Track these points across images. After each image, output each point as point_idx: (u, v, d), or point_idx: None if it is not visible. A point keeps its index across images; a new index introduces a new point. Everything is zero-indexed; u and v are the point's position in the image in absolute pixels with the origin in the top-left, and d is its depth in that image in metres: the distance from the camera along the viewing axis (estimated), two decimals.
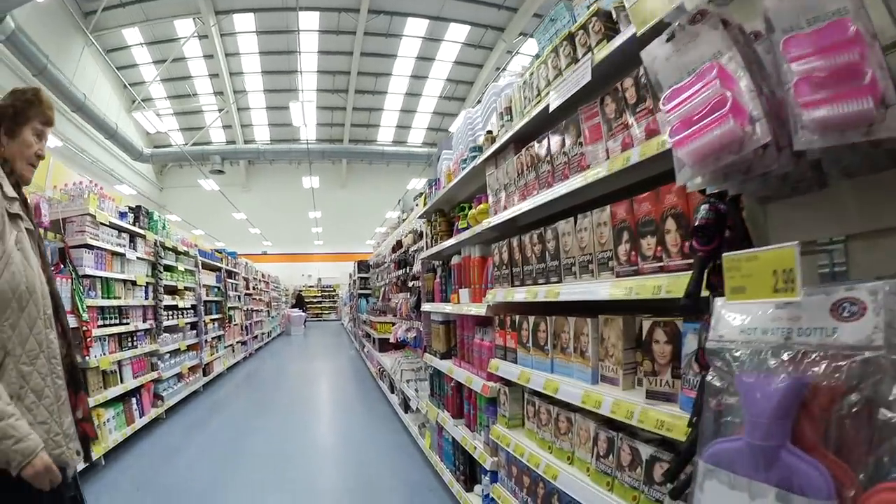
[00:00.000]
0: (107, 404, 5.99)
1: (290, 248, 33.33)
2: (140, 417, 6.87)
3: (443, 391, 4.93)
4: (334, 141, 29.09)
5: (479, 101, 4.99)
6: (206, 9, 19.18)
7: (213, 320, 11.49)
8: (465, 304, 4.11)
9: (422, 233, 6.52)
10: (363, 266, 15.66)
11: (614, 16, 2.29)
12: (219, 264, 12.74)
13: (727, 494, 1.07)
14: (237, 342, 13.64)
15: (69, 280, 5.36)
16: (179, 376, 8.85)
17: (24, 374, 1.86)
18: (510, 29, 20.54)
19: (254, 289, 17.90)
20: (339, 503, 4.77)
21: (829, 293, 0.99)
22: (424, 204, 5.79)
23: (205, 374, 10.32)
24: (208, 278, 11.63)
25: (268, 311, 20.65)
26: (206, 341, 10.51)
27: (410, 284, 7.52)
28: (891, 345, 0.89)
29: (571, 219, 2.62)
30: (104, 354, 6.02)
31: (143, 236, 7.55)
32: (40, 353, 1.92)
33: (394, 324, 9.37)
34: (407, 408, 7.22)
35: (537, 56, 3.14)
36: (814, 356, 0.98)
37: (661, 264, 1.99)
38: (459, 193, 4.74)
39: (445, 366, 4.67)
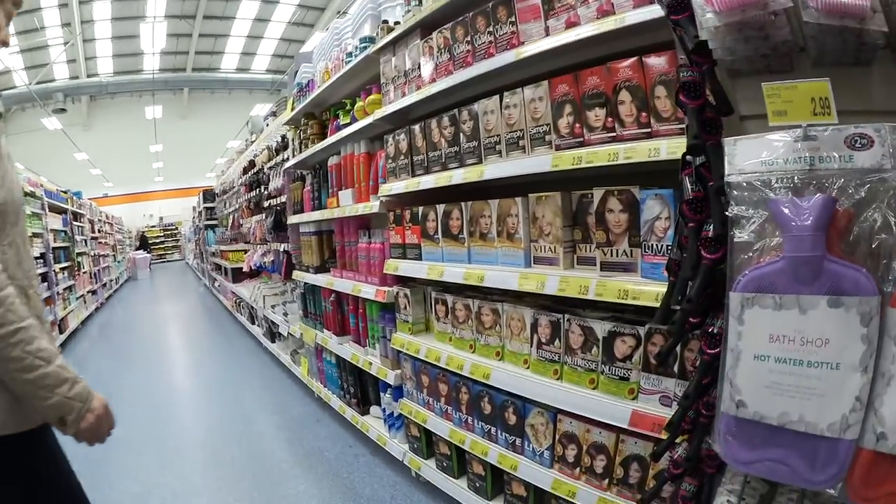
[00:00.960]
0: None
1: (131, 188, 30.68)
2: None
3: (319, 309, 4.63)
4: (177, 70, 26.74)
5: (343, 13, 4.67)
6: None
7: (61, 269, 9.97)
8: (347, 207, 3.79)
9: (283, 146, 6.15)
10: (209, 195, 14.77)
11: None
12: (65, 206, 11.31)
13: (774, 317, 1.17)
14: (87, 292, 12.12)
15: None
16: None
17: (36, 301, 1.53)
18: None
19: (99, 231, 16.10)
20: (221, 453, 4.15)
21: (841, 130, 1.16)
22: (291, 109, 5.26)
23: (60, 332, 8.90)
24: (55, 222, 10.19)
25: (114, 255, 18.75)
26: (57, 293, 9.10)
27: (266, 204, 7.06)
28: None
29: (496, 97, 2.49)
30: None
31: None
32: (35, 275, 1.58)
33: (247, 251, 8.79)
34: (274, 337, 6.81)
35: None
36: (836, 179, 1.15)
37: (612, 134, 2.01)
38: (336, 93, 4.32)
39: (323, 279, 4.33)
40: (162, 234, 31.96)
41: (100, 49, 24.59)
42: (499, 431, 2.60)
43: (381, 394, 3.64)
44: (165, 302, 14.87)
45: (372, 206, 3.38)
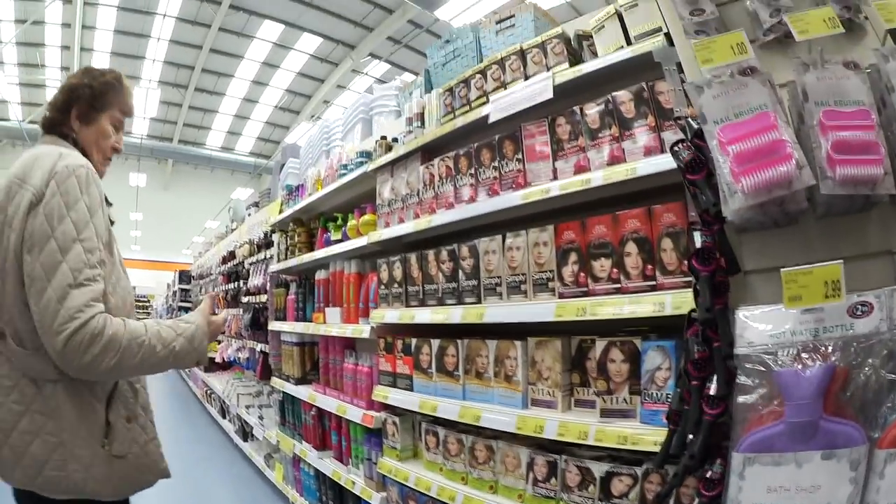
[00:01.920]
0: None
1: None
2: None
3: (299, 420, 4.42)
4: (164, 139, 26.78)
5: (316, 119, 4.76)
6: None
7: None
8: (334, 325, 3.68)
9: (265, 243, 5.99)
10: (185, 276, 14.47)
11: (573, 42, 2.41)
12: None
13: (773, 472, 1.29)
14: None
15: None
16: None
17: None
18: (360, 48, 20.02)
19: None
20: None
21: (845, 301, 1.28)
22: (280, 211, 5.16)
23: None
24: None
25: None
26: None
27: (245, 300, 6.82)
28: (892, 328, 1.26)
29: (498, 237, 2.48)
30: None
31: None
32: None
33: (220, 342, 8.45)
34: (246, 436, 6.48)
35: (429, 82, 3.42)
36: (837, 345, 1.29)
37: (617, 286, 2.03)
38: (326, 202, 4.27)
39: (304, 392, 4.16)
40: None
41: None
42: None
43: None
44: None
45: (361, 329, 3.27)
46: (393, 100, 4.24)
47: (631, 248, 1.98)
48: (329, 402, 3.67)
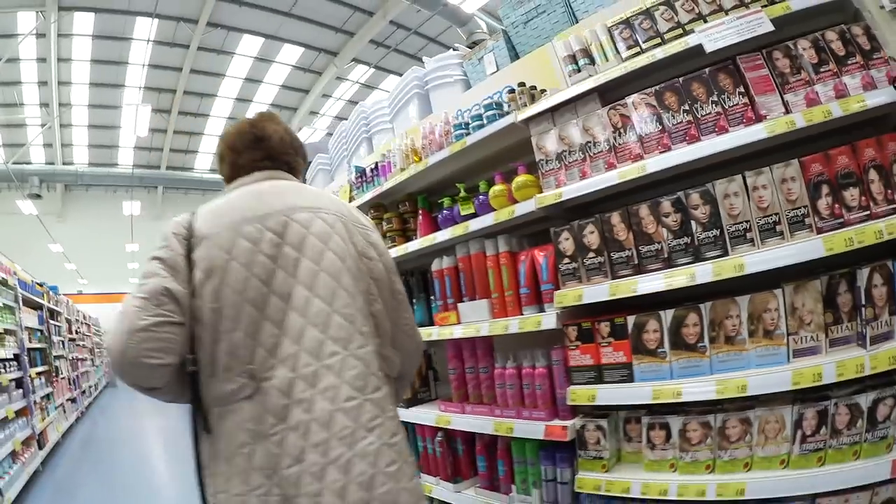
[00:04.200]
0: None
1: (106, 287, 28.51)
2: None
3: (412, 450, 3.49)
4: (152, 167, 25.84)
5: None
6: (51, 1, 15.59)
7: (38, 374, 8.44)
8: (481, 324, 2.90)
9: None
10: None
11: None
12: (40, 300, 9.71)
13: None
14: (67, 400, 10.71)
15: None
16: (14, 456, 6.26)
17: None
18: (343, 54, 19.31)
19: (76, 332, 14.56)
20: None
21: None
22: (349, 198, 4.24)
23: (40, 447, 7.54)
24: (30, 318, 8.54)
25: (92, 359, 17.29)
26: (34, 402, 7.65)
27: None
28: None
29: (737, 177, 2.17)
30: None
31: None
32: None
33: None
34: None
35: (509, 42, 3.46)
36: None
37: (867, 213, 2.01)
38: (424, 178, 3.47)
39: (424, 415, 3.30)
40: None
41: (76, 136, 23.87)
42: None
43: None
44: (151, 414, 12.45)
45: (538, 320, 2.58)
46: (455, 69, 3.92)
47: (873, 174, 2.00)
48: (475, 423, 2.92)
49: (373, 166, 3.96)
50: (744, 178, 2.12)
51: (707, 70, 2.23)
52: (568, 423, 2.50)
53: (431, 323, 3.34)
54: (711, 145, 2.16)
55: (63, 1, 16.37)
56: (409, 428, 3.39)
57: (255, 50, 19.36)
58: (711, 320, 2.19)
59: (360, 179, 4.12)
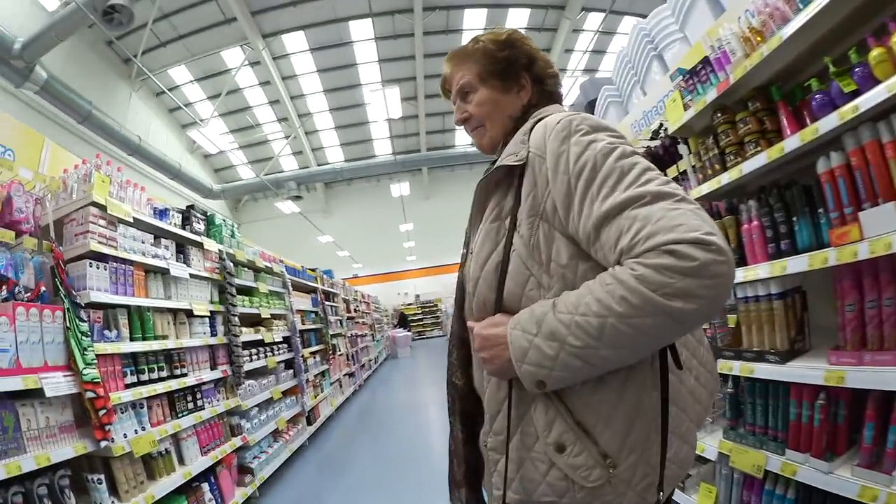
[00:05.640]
0: None
1: (382, 268, 31.06)
2: None
3: (777, 419, 2.58)
4: (411, 152, 26.42)
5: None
6: (252, 34, 17.04)
7: (312, 353, 8.64)
8: (891, 235, 1.95)
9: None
10: None
11: None
12: (313, 284, 9.96)
13: None
14: (344, 375, 10.89)
15: (61, 313, 3.04)
16: (276, 434, 6.21)
17: None
18: (571, 5, 17.72)
19: (355, 311, 15.11)
20: None
21: None
22: (684, 109, 3.23)
23: (309, 423, 7.52)
24: (302, 302, 8.80)
25: (372, 334, 18.04)
26: (306, 381, 7.74)
27: None
28: None
29: None
30: (142, 430, 3.59)
31: (201, 245, 4.88)
32: None
33: None
34: None
35: None
36: None
37: None
38: (756, 74, 2.67)
39: (815, 372, 2.28)
40: (420, 312, 31.58)
41: (325, 139, 25.63)
42: None
43: None
44: (431, 383, 12.32)
45: None
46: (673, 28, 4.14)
47: None
48: (879, 378, 2.02)
49: (696, 67, 3.13)
50: None
51: None
52: None
53: (821, 245, 2.42)
54: None
55: (264, 29, 17.48)
56: (782, 390, 2.55)
57: (481, 22, 18.71)
58: None
59: (690, 82, 3.22)
